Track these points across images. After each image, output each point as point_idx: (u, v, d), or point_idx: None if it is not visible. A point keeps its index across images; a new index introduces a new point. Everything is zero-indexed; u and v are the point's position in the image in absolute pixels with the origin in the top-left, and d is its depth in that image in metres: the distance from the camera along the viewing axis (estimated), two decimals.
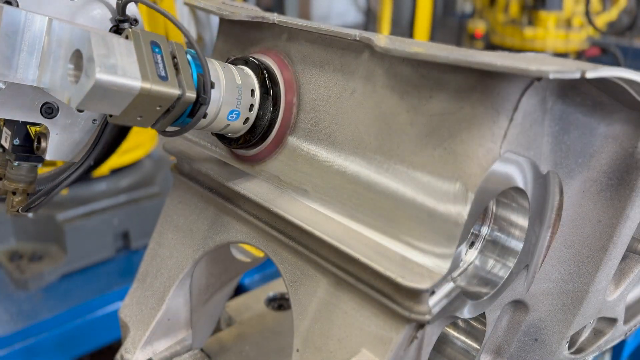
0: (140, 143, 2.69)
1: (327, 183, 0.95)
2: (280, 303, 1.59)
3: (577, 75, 0.68)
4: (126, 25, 0.95)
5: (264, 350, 1.39)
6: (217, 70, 0.91)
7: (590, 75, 0.68)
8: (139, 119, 0.82)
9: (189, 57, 0.85)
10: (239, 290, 2.28)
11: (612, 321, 1.18)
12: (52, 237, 2.43)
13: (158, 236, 1.24)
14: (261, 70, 0.99)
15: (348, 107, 0.94)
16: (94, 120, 1.01)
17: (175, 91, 0.80)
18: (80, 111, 0.98)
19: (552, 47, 4.48)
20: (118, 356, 1.23)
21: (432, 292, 0.82)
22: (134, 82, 0.76)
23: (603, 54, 4.70)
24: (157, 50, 0.81)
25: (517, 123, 0.80)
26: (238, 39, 1.12)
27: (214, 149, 1.13)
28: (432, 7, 4.42)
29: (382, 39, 0.86)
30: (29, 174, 1.05)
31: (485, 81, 0.78)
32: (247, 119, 0.97)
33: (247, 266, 1.38)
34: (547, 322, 1.07)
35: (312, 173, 0.97)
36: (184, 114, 0.86)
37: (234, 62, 1.00)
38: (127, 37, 0.81)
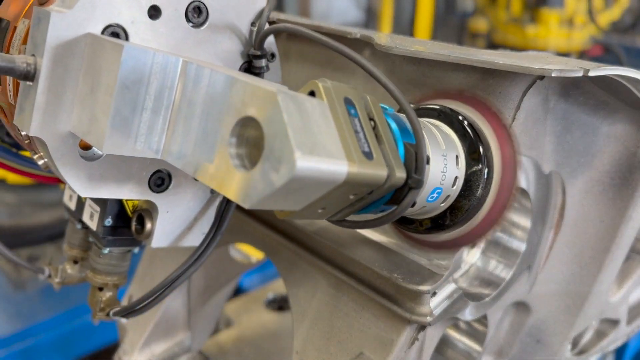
0: None
1: None
2: (279, 304, 1.59)
3: (580, 74, 0.67)
4: (262, 62, 0.72)
5: (263, 352, 1.39)
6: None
7: (593, 74, 0.68)
8: (320, 211, 0.59)
9: (386, 116, 0.63)
10: (238, 291, 2.28)
11: (615, 322, 1.18)
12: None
13: None
14: (463, 127, 0.72)
15: None
16: (213, 190, 0.76)
17: (383, 173, 0.57)
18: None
19: (555, 46, 4.47)
20: (116, 358, 1.23)
21: (434, 294, 0.81)
22: (340, 166, 0.51)
23: (606, 53, 4.69)
24: (353, 111, 0.57)
25: (519, 122, 0.79)
26: None
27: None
28: (433, 5, 4.41)
29: (383, 37, 0.86)
30: (121, 262, 0.84)
31: (487, 80, 0.78)
32: (447, 197, 0.71)
33: (245, 267, 1.37)
34: (550, 323, 1.06)
35: None
36: (381, 201, 0.62)
37: (422, 114, 0.75)
38: (312, 94, 0.57)
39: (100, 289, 0.85)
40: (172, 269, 1.17)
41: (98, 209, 0.79)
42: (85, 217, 0.82)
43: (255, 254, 1.38)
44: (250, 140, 0.52)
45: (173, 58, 0.59)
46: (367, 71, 0.62)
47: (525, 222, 0.91)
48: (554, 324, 1.06)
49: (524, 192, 0.86)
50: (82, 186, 0.66)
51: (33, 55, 0.60)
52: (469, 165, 0.71)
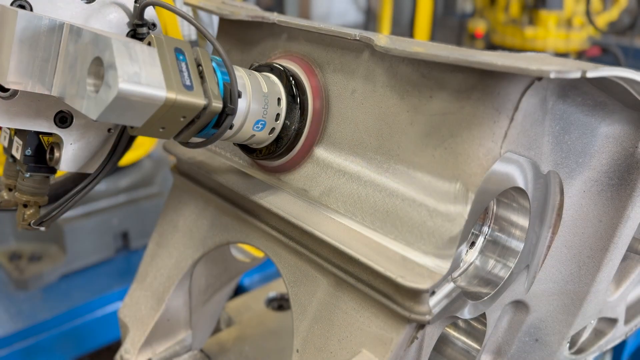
0: (140, 143, 2.69)
1: (327, 183, 0.94)
2: (280, 303, 1.59)
3: (578, 75, 0.67)
4: (144, 30, 0.92)
5: (264, 351, 1.39)
6: (243, 78, 0.88)
7: (590, 74, 0.68)
8: (161, 130, 0.78)
9: (214, 64, 0.82)
10: (239, 290, 2.28)
11: (613, 321, 1.18)
12: (51, 237, 2.42)
13: (158, 236, 1.24)
14: (287, 77, 0.95)
15: (348, 107, 0.94)
16: (110, 129, 0.97)
17: (201, 101, 0.77)
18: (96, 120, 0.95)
19: (553, 47, 4.48)
20: (117, 356, 1.23)
21: (433, 293, 0.82)
22: (159, 92, 0.72)
23: (604, 54, 4.70)
24: (181, 57, 0.77)
25: (517, 123, 0.80)
26: (238, 38, 1.12)
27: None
28: (432, 6, 4.42)
29: (383, 38, 0.86)
30: (41, 185, 1.01)
31: (486, 81, 0.78)
32: (272, 129, 0.94)
33: (246, 266, 1.38)
34: (548, 322, 1.06)
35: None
36: (209, 125, 0.82)
37: (258, 69, 0.97)
38: (149, 44, 0.77)
39: (25, 206, 1.03)
40: (172, 269, 1.18)
41: (21, 142, 0.98)
42: (14, 151, 1.00)
43: (256, 254, 1.38)
44: (99, 74, 0.73)
45: (58, 21, 0.82)
46: (197, 29, 0.85)
47: (523, 221, 0.91)
48: (552, 323, 1.07)
49: (522, 192, 0.86)
50: (1, 119, 0.89)
51: None
52: (289, 105, 0.94)
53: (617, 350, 1.88)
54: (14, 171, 1.03)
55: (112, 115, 0.72)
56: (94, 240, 2.43)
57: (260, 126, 0.91)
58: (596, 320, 1.17)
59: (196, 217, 1.17)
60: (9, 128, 1.01)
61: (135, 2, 0.92)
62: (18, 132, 0.98)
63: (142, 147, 2.72)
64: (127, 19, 0.92)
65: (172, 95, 0.73)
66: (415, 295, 0.80)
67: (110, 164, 0.97)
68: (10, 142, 1.01)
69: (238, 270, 1.37)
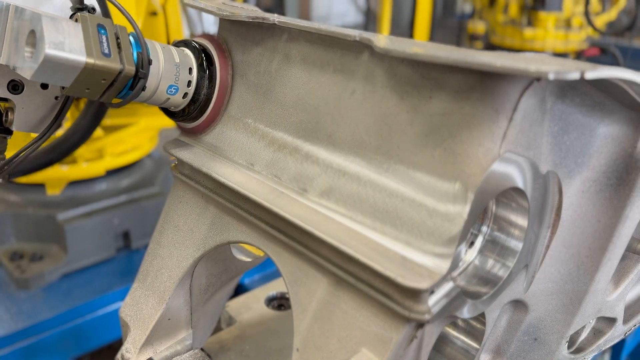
0: (140, 144, 2.69)
1: (327, 183, 0.95)
2: (280, 303, 1.59)
3: (577, 76, 0.67)
4: (85, 13, 1.01)
5: (264, 350, 1.39)
6: (156, 49, 1.02)
7: (589, 75, 0.68)
8: (87, 91, 0.93)
9: (131, 38, 0.96)
10: (239, 290, 2.29)
11: (612, 321, 1.18)
12: (52, 237, 2.43)
13: (158, 236, 1.24)
14: (199, 51, 1.10)
15: (348, 107, 0.95)
16: (57, 97, 1.08)
17: (117, 65, 0.91)
18: (44, 88, 1.07)
19: (552, 48, 4.48)
20: (118, 356, 1.23)
21: (432, 292, 0.82)
22: (79, 57, 0.86)
23: (602, 54, 4.70)
24: (102, 31, 0.92)
25: (516, 123, 0.80)
26: (238, 39, 1.13)
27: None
28: (431, 7, 4.42)
29: (382, 39, 0.86)
30: None
31: (485, 81, 0.79)
32: (185, 94, 1.08)
33: (247, 266, 1.38)
34: (547, 321, 1.07)
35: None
36: (126, 87, 0.97)
37: (177, 45, 1.11)
38: (76, 21, 0.91)
39: None
40: (172, 269, 1.18)
41: None
42: None
43: (257, 253, 1.38)
44: (34, 43, 0.87)
45: (5, 2, 0.95)
46: (115, 5, 1.00)
47: (522, 221, 0.91)
48: (551, 323, 1.07)
49: (521, 192, 0.87)
50: None
51: None
52: (199, 74, 1.09)
53: (616, 349, 1.89)
54: None
55: (43, 76, 0.87)
56: (95, 240, 2.44)
57: (174, 90, 1.06)
58: (595, 320, 1.17)
59: (197, 217, 1.17)
60: None
61: None
62: None
63: (142, 147, 2.73)
64: (69, 3, 1.01)
65: (91, 60, 0.87)
66: (415, 294, 0.80)
67: (55, 125, 1.10)
68: None
69: (238, 269, 1.37)
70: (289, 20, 1.02)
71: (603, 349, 1.23)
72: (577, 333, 1.18)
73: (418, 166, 0.85)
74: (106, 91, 0.95)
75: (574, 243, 0.99)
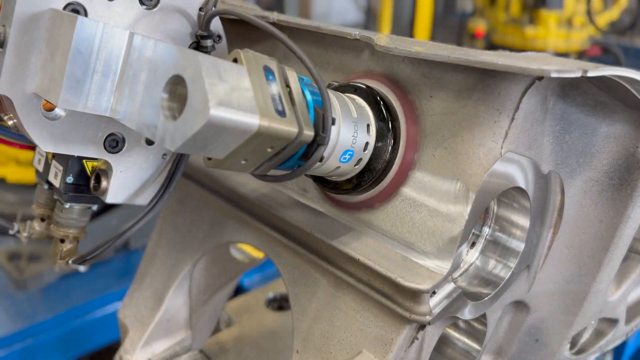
0: None
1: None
2: (280, 303, 1.59)
3: (579, 75, 0.67)
4: (208, 42, 0.83)
5: (264, 351, 1.39)
6: (332, 100, 0.77)
7: (591, 74, 0.68)
8: (243, 162, 0.68)
9: (301, 85, 0.73)
10: (239, 290, 2.28)
11: (614, 322, 1.18)
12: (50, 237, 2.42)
13: (157, 237, 1.24)
14: (376, 100, 0.84)
15: None
16: (164, 154, 0.86)
17: (294, 129, 0.67)
18: (151, 144, 0.84)
19: (553, 47, 4.48)
20: (117, 357, 1.23)
21: (433, 293, 0.81)
22: (251, 118, 0.61)
23: (604, 54, 4.69)
24: (271, 77, 0.68)
25: (518, 123, 0.80)
26: (237, 38, 1.12)
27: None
28: (432, 6, 4.42)
29: (383, 38, 0.86)
30: (81, 217, 0.92)
31: (486, 81, 0.78)
32: (359, 160, 0.82)
33: (246, 266, 1.37)
34: (548, 322, 1.06)
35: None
36: (295, 156, 0.72)
37: (340, 89, 0.86)
38: (235, 60, 0.67)
39: (62, 241, 0.93)
40: (171, 269, 1.18)
41: (61, 168, 0.88)
42: (51, 177, 0.90)
43: (255, 254, 1.38)
44: (181, 97, 0.61)
45: (120, 30, 0.70)
46: (287, 46, 0.74)
47: (524, 221, 0.91)
48: (552, 324, 1.06)
49: (522, 192, 0.86)
50: (44, 142, 0.77)
51: (4, 25, 0.71)
52: (379, 133, 0.82)
53: (618, 350, 1.88)
54: (48, 199, 0.95)
55: (195, 146, 0.61)
56: (94, 241, 2.43)
57: (348, 157, 0.79)
58: (597, 321, 1.17)
59: (196, 218, 1.17)
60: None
61: (200, 10, 0.82)
62: (57, 156, 0.88)
63: None
64: (189, 29, 0.82)
65: (265, 122, 0.63)
66: (416, 295, 0.80)
67: (166, 194, 0.86)
68: (47, 166, 0.92)
69: (237, 270, 1.36)
70: (289, 18, 1.01)
71: (605, 350, 1.23)
72: (579, 334, 1.18)
73: (418, 166, 0.84)
74: (267, 162, 0.71)
75: (576, 243, 0.99)
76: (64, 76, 0.68)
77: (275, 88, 0.67)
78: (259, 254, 1.36)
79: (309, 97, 0.72)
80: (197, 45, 0.83)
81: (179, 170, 0.86)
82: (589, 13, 4.05)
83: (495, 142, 0.79)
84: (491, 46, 4.94)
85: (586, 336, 1.20)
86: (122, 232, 0.87)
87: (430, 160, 0.83)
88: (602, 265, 0.99)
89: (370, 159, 0.83)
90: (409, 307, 0.81)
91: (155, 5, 0.79)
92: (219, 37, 0.84)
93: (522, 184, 0.84)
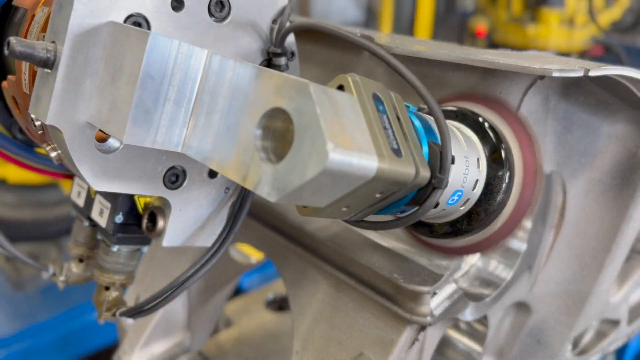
0: None
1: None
2: (279, 304, 1.59)
3: (580, 74, 0.67)
4: (282, 60, 0.72)
5: (263, 352, 1.39)
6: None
7: (593, 73, 0.68)
8: (344, 209, 0.57)
9: (410, 114, 0.62)
10: (238, 291, 2.28)
11: (615, 323, 1.18)
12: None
13: None
14: (484, 129, 0.70)
15: None
16: (227, 188, 0.75)
17: (412, 171, 0.56)
18: (213, 177, 0.73)
19: (555, 46, 4.47)
20: (115, 358, 1.22)
21: (434, 294, 0.81)
22: (371, 161, 0.50)
23: (606, 53, 4.69)
24: (381, 108, 0.57)
25: None
26: None
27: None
28: (433, 4, 4.41)
29: (383, 37, 0.85)
30: (129, 261, 0.81)
31: (488, 80, 0.78)
32: (467, 201, 0.69)
33: (245, 267, 1.37)
34: (550, 323, 1.06)
35: None
36: (402, 201, 0.61)
37: (446, 116, 0.73)
38: (341, 87, 0.56)
39: (107, 288, 0.82)
40: (172, 269, 1.17)
41: (109, 205, 0.77)
42: (95, 214, 0.80)
43: (255, 254, 1.37)
44: (277, 133, 0.51)
45: (198, 49, 0.59)
46: (395, 70, 0.62)
47: (525, 222, 0.91)
48: (554, 324, 1.06)
49: None
50: (96, 179, 0.64)
51: (53, 42, 0.59)
52: (490, 168, 0.69)
53: (620, 351, 1.88)
54: (89, 238, 0.86)
55: (301, 196, 0.50)
56: None
57: (456, 198, 0.66)
58: (598, 322, 1.16)
59: None
60: None
61: (274, 22, 0.73)
62: (105, 192, 0.75)
63: None
64: (261, 45, 0.72)
65: (384, 165, 0.51)
66: (417, 296, 0.80)
67: (231, 233, 0.75)
68: (89, 200, 0.81)
69: (237, 271, 1.36)
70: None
71: (607, 351, 1.23)
72: (581, 335, 1.17)
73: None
74: (368, 207, 0.60)
75: (578, 244, 0.98)
76: (131, 105, 0.57)
77: (387, 121, 0.56)
78: (258, 255, 1.35)
79: (420, 129, 0.62)
80: (268, 63, 0.73)
81: (245, 206, 0.76)
82: (591, 12, 4.04)
83: None
84: (492, 45, 4.94)
85: (588, 337, 1.19)
86: (183, 280, 0.76)
87: None
88: (604, 266, 0.99)
89: (481, 200, 0.70)
90: (410, 308, 0.80)
91: (226, 18, 0.68)
92: (292, 54, 0.74)
93: None
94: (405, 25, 4.51)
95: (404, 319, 0.81)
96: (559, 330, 1.06)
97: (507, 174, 0.69)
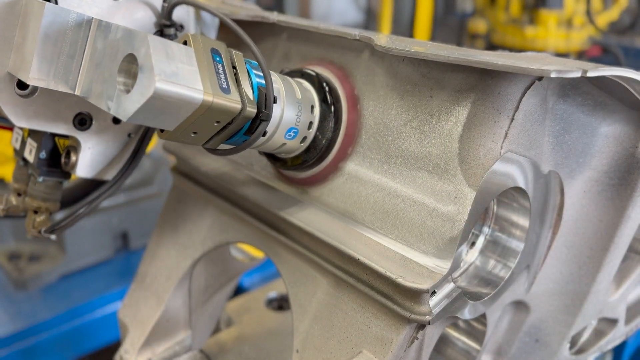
0: None
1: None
2: (280, 303, 1.59)
3: (578, 75, 0.67)
4: (171, 31, 0.90)
5: (264, 351, 1.39)
6: (277, 82, 0.85)
7: (591, 74, 0.68)
8: (192, 135, 0.75)
9: (248, 67, 0.80)
10: (239, 290, 2.28)
11: (613, 322, 1.18)
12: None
13: (157, 236, 1.24)
14: (321, 84, 0.91)
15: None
16: (130, 134, 0.93)
17: (238, 105, 0.74)
18: (117, 123, 0.91)
19: (553, 47, 4.48)
20: (117, 357, 1.23)
21: (433, 293, 0.81)
22: (196, 93, 0.69)
23: (604, 54, 4.70)
24: (218, 59, 0.75)
25: (518, 123, 0.80)
26: (237, 38, 1.12)
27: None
28: (432, 6, 4.42)
29: (383, 38, 0.86)
30: (53, 191, 0.98)
31: (486, 81, 0.78)
32: (304, 138, 0.89)
33: (246, 266, 1.37)
34: (548, 322, 1.06)
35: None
36: (240, 131, 0.79)
37: (290, 75, 0.94)
38: (185, 43, 0.74)
39: (35, 212, 0.99)
40: (171, 269, 1.18)
41: (35, 144, 0.94)
42: (26, 153, 0.96)
43: (255, 254, 1.38)
44: (134, 74, 0.68)
45: (87, 16, 0.78)
46: (234, 30, 0.83)
47: (524, 221, 0.91)
48: (552, 323, 1.07)
49: (522, 192, 0.86)
50: (17, 118, 0.85)
51: None
52: (322, 113, 0.90)
53: (618, 350, 1.88)
54: (24, 175, 1.00)
55: (144, 117, 0.68)
56: (94, 241, 2.44)
57: (293, 134, 0.87)
58: (596, 321, 1.17)
59: (196, 217, 1.17)
60: (22, 129, 0.98)
61: (164, 1, 0.90)
62: (32, 134, 0.94)
63: None
64: (154, 19, 0.89)
65: (209, 98, 0.70)
66: (416, 295, 0.80)
67: (130, 170, 0.93)
68: (23, 144, 0.98)
69: (237, 270, 1.36)
70: (289, 18, 1.01)
71: (605, 350, 1.23)
72: (579, 334, 1.18)
73: (418, 166, 0.84)
74: (215, 135, 0.78)
75: (576, 243, 0.99)
76: (33, 56, 0.77)
77: (221, 68, 0.74)
78: (258, 254, 1.36)
79: (253, 78, 0.79)
80: (161, 34, 0.90)
81: (142, 149, 0.94)
82: (589, 13, 4.05)
83: (495, 142, 0.79)
84: (491, 46, 4.94)
85: (586, 336, 1.20)
86: (86, 202, 0.96)
87: (431, 160, 0.83)
88: (602, 265, 0.99)
89: (315, 137, 0.90)
90: (409, 307, 0.81)
91: None
92: (182, 26, 0.91)
93: (522, 184, 0.84)
94: (404, 26, 4.52)
95: (403, 317, 0.82)
96: (557, 329, 1.07)
97: (335, 119, 0.90)
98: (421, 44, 0.83)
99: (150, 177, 2.77)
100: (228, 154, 0.83)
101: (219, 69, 0.74)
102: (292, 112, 0.85)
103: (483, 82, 0.78)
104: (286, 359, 1.30)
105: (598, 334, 1.21)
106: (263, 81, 0.80)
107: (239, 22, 1.10)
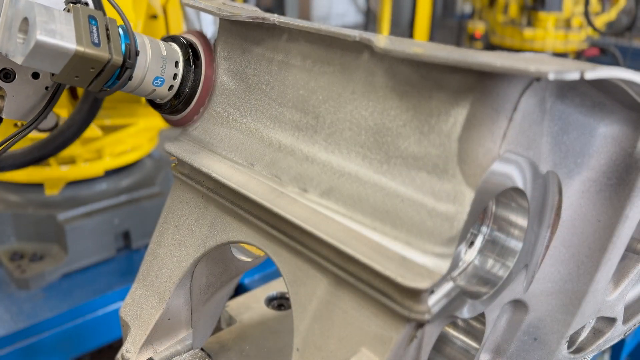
0: (139, 144, 2.69)
1: (327, 183, 0.95)
2: (280, 302, 1.59)
3: (577, 76, 0.67)
4: (78, 6, 1.05)
5: (264, 350, 1.39)
6: (144, 42, 1.06)
7: (589, 75, 0.68)
8: (76, 79, 0.97)
9: (120, 30, 1.01)
10: (239, 290, 2.29)
11: (612, 321, 1.18)
12: (52, 236, 2.42)
13: (158, 236, 1.24)
14: (186, 46, 1.13)
15: (348, 107, 0.95)
16: (47, 87, 1.12)
17: (105, 55, 0.96)
18: (35, 78, 1.10)
19: (552, 48, 4.48)
20: (119, 356, 1.23)
21: (432, 292, 0.82)
22: (70, 44, 0.91)
23: (602, 54, 4.70)
24: (93, 22, 0.97)
25: (516, 123, 0.80)
26: (238, 39, 1.13)
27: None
28: (431, 7, 4.42)
29: (382, 39, 0.86)
30: None
31: (485, 81, 0.79)
32: (171, 87, 1.12)
33: (247, 265, 1.38)
34: (547, 321, 1.07)
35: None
36: (114, 77, 1.01)
37: (165, 40, 1.15)
38: (68, 11, 0.96)
39: None
40: (172, 269, 1.18)
41: None
42: None
43: (256, 253, 1.38)
44: (26, 30, 0.91)
45: None
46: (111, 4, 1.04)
47: (522, 221, 0.91)
48: (551, 323, 1.07)
49: (521, 192, 0.87)
50: None
51: None
52: (185, 68, 1.13)
53: (616, 349, 1.89)
54: None
55: (34, 61, 0.92)
56: (95, 240, 2.44)
57: (159, 82, 1.09)
58: (595, 320, 1.17)
59: (197, 217, 1.17)
60: None
61: None
62: None
63: (143, 147, 2.73)
64: None
65: (80, 48, 0.92)
66: (415, 294, 0.80)
67: (45, 114, 1.14)
68: None
69: (239, 269, 1.37)
70: (289, 20, 1.02)
71: (603, 348, 1.24)
72: (577, 333, 1.18)
73: (418, 166, 0.85)
74: (94, 80, 0.99)
75: (574, 243, 0.99)
76: None
77: (95, 29, 0.96)
78: (260, 253, 1.36)
79: (123, 37, 1.00)
80: (75, 2, 1.05)
81: (55, 100, 1.13)
82: (587, 14, 4.06)
83: (493, 142, 0.79)
84: (490, 47, 4.95)
85: (584, 335, 1.20)
86: (12, 136, 1.12)
87: (429, 160, 0.84)
88: (600, 265, 1.00)
89: (180, 86, 1.13)
90: (408, 306, 0.81)
91: None
92: (86, 3, 1.06)
93: (520, 184, 0.85)
94: (403, 27, 4.52)
95: (403, 316, 0.82)
96: (556, 329, 1.07)
97: (194, 72, 1.14)
98: (420, 45, 0.83)
99: (152, 177, 2.77)
100: (107, 94, 1.06)
101: (92, 30, 0.95)
102: (157, 65, 1.07)
103: (482, 83, 0.79)
104: (287, 358, 1.30)
105: (596, 332, 1.21)
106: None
107: (239, 23, 1.10)
